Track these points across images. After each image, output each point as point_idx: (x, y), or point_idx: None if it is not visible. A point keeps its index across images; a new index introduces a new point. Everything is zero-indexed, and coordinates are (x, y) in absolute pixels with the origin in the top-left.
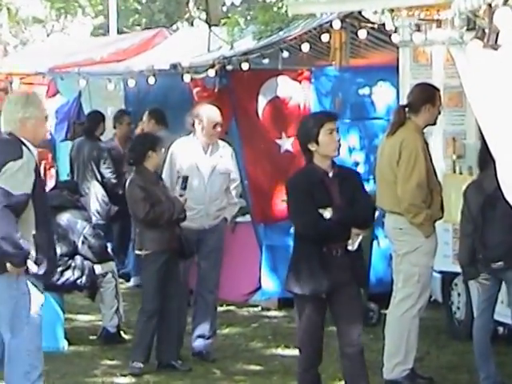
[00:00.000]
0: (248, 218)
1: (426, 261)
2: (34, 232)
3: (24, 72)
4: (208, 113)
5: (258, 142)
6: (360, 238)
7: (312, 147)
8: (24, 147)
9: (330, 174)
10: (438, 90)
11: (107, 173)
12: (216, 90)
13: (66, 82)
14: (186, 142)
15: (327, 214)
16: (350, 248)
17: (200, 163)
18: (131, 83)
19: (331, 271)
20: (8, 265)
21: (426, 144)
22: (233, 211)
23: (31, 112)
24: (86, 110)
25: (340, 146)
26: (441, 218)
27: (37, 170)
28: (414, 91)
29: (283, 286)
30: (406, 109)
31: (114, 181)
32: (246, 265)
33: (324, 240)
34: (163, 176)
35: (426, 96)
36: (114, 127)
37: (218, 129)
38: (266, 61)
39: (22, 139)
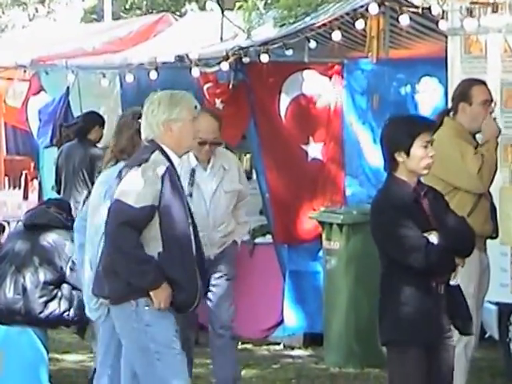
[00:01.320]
0: (269, 238)
1: (463, 286)
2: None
3: (1, 65)
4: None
5: (281, 149)
6: (460, 269)
7: (400, 158)
8: (160, 155)
9: (421, 193)
10: (484, 85)
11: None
12: (230, 87)
13: (51, 76)
14: (186, 159)
15: (433, 238)
16: (453, 282)
17: (199, 182)
18: (129, 78)
19: (439, 312)
20: (152, 293)
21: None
22: (243, 232)
23: (178, 113)
24: (76, 111)
25: (432, 163)
26: (493, 237)
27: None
28: (455, 89)
29: (311, 320)
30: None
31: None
32: (266, 294)
33: (433, 272)
34: None
35: (459, 93)
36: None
37: (206, 147)
38: (289, 52)
39: (164, 147)
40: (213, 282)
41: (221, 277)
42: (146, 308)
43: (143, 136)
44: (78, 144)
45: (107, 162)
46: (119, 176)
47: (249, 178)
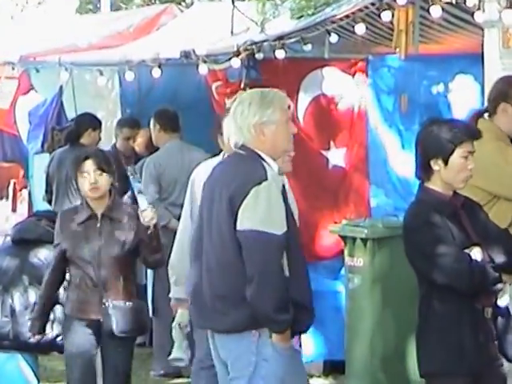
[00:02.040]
0: None
1: None
2: None
3: None
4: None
5: (298, 155)
6: (509, 288)
7: (436, 166)
8: (265, 164)
9: (458, 204)
10: None
11: None
12: (242, 86)
13: (42, 74)
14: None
15: (476, 254)
16: (501, 303)
17: None
18: (129, 77)
19: (487, 338)
20: (274, 335)
21: None
22: None
23: (270, 115)
24: (70, 113)
25: (471, 177)
26: None
27: (284, 195)
28: (492, 87)
29: (331, 345)
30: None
31: None
32: None
33: (478, 293)
34: (182, 214)
35: (498, 92)
36: (129, 137)
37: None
38: (307, 47)
39: (260, 153)
40: None
41: None
42: (269, 340)
43: (232, 141)
44: (70, 150)
45: None
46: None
47: None
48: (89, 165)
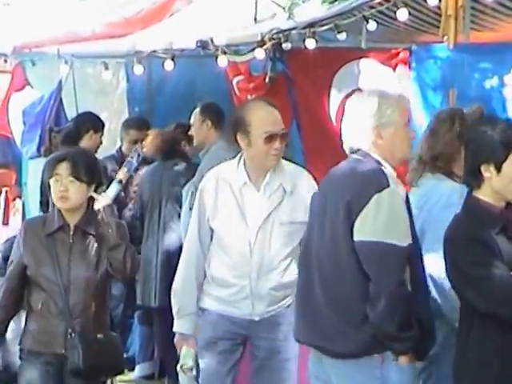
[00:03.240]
0: None
1: None
2: None
3: None
4: (260, 116)
5: (331, 159)
6: None
7: (487, 172)
8: (385, 170)
9: (510, 218)
10: None
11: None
12: (267, 80)
13: (39, 68)
14: (226, 172)
15: None
16: None
17: (246, 208)
18: (138, 70)
19: None
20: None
21: None
22: None
23: (389, 116)
24: (70, 111)
25: None
26: None
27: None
28: None
29: None
30: None
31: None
32: None
33: None
34: (189, 229)
35: None
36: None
37: (277, 145)
38: (342, 36)
39: (379, 159)
40: (258, 362)
41: (270, 356)
42: (394, 363)
43: (347, 144)
44: None
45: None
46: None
47: None
48: (62, 169)
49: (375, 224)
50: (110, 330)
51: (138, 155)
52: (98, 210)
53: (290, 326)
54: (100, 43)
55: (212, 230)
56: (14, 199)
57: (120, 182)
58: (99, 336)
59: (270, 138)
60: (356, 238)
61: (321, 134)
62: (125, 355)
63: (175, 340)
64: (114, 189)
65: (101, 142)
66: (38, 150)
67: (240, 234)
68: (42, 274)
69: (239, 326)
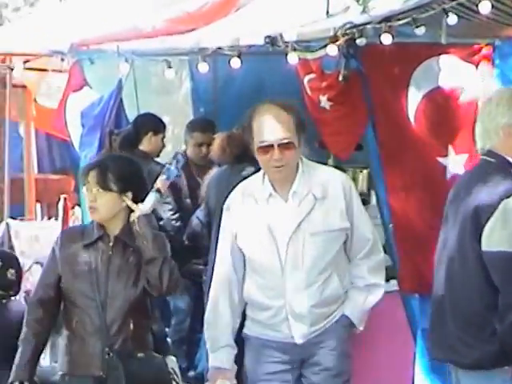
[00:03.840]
0: (394, 284)
1: None
2: None
3: (30, 52)
4: (258, 124)
5: (410, 162)
6: None
7: None
8: None
9: None
10: None
11: (164, 211)
12: (340, 79)
13: (97, 66)
14: (251, 186)
15: None
16: None
17: (274, 221)
18: (203, 68)
19: None
20: None
21: None
22: (362, 303)
23: None
24: (131, 112)
25: None
26: None
27: None
28: None
29: None
30: None
31: (174, 223)
32: (392, 360)
33: None
34: (218, 251)
35: None
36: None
37: (276, 156)
38: (420, 30)
39: (510, 160)
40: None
41: (321, 371)
42: None
43: (479, 145)
44: None
45: None
46: None
47: (366, 202)
48: (91, 177)
49: (503, 232)
50: (152, 350)
51: (177, 161)
52: (133, 221)
53: (339, 341)
54: (162, 40)
55: (241, 249)
56: (73, 207)
57: (158, 191)
58: (140, 355)
59: (265, 149)
60: (484, 247)
61: (398, 136)
62: (193, 373)
63: (208, 374)
64: (150, 198)
65: (163, 145)
66: (98, 154)
67: (268, 250)
68: (77, 288)
69: (283, 351)
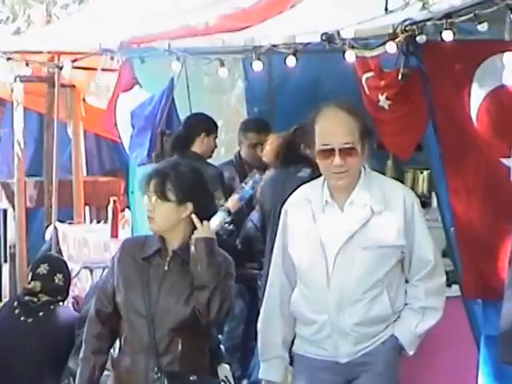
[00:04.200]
0: (456, 290)
1: None
2: None
3: (79, 50)
4: (321, 126)
5: (472, 163)
6: None
7: None
8: None
9: None
10: None
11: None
12: (399, 77)
13: (149, 65)
14: (310, 191)
15: None
16: None
17: (326, 230)
18: (257, 66)
19: None
20: None
21: None
22: (415, 325)
23: None
24: (183, 112)
25: None
26: None
27: None
28: None
29: None
30: None
31: (227, 226)
32: (454, 368)
33: None
34: (273, 259)
35: None
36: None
37: (337, 162)
38: (483, 27)
39: None
40: None
41: None
42: None
43: None
44: (179, 160)
45: None
46: None
47: (426, 205)
48: (151, 185)
49: None
50: (208, 373)
51: (254, 182)
52: (191, 241)
53: (386, 365)
54: (215, 37)
55: (291, 257)
56: (123, 210)
57: (228, 211)
58: (192, 378)
59: (326, 153)
60: None
61: (460, 136)
62: (246, 381)
63: None
64: (218, 219)
65: (215, 146)
66: (149, 155)
67: (316, 260)
68: (128, 303)
69: (328, 370)
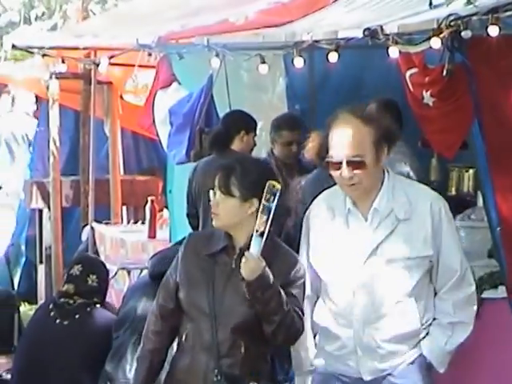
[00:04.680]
0: (502, 291)
1: None
2: None
3: (116, 45)
4: (332, 136)
5: None
6: None
7: None
8: None
9: None
10: None
11: None
12: (444, 73)
13: (187, 61)
14: (333, 197)
15: None
16: None
17: (350, 240)
18: (298, 63)
19: None
20: None
21: None
22: (444, 343)
23: None
24: (222, 110)
25: None
26: None
27: None
28: None
29: None
30: None
31: None
32: (502, 372)
33: None
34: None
35: None
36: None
37: (345, 174)
38: None
39: None
40: None
41: None
42: None
43: None
44: (217, 159)
45: None
46: None
47: (472, 204)
48: (216, 181)
49: None
50: (268, 381)
51: (273, 195)
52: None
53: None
54: (255, 33)
55: (314, 268)
56: (161, 210)
57: (261, 234)
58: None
59: (334, 165)
60: None
61: (507, 134)
62: None
63: None
64: (256, 247)
65: (254, 144)
66: (187, 154)
67: (341, 273)
68: (192, 300)
69: None
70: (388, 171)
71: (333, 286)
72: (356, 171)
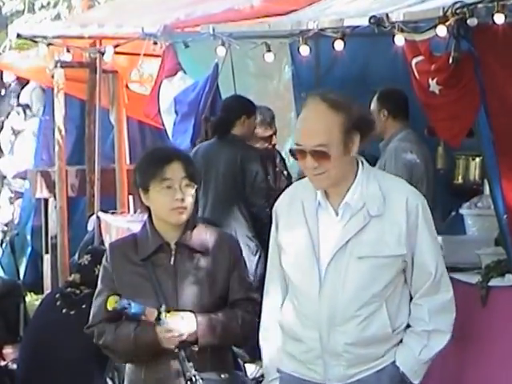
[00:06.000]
0: (509, 279)
1: None
2: None
3: (121, 34)
4: (298, 123)
5: None
6: None
7: None
8: None
9: None
10: None
11: (258, 198)
12: (450, 61)
13: (193, 50)
14: (303, 188)
15: None
16: None
17: (319, 236)
18: (304, 51)
19: None
20: None
21: None
22: (418, 352)
23: None
24: None
25: None
26: None
27: None
28: None
29: None
30: None
31: (268, 211)
32: (509, 361)
33: None
34: (269, 253)
35: None
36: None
37: (309, 164)
38: None
39: None
40: None
41: None
42: None
43: None
44: (219, 143)
45: None
46: None
47: (478, 192)
48: (175, 170)
49: None
50: (234, 368)
51: None
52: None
53: None
54: (260, 21)
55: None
56: None
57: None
58: (223, 376)
59: (298, 154)
60: None
61: None
62: None
63: None
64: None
65: (255, 127)
66: (192, 142)
67: (307, 271)
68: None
69: None
70: (363, 162)
71: (300, 284)
72: (321, 161)
